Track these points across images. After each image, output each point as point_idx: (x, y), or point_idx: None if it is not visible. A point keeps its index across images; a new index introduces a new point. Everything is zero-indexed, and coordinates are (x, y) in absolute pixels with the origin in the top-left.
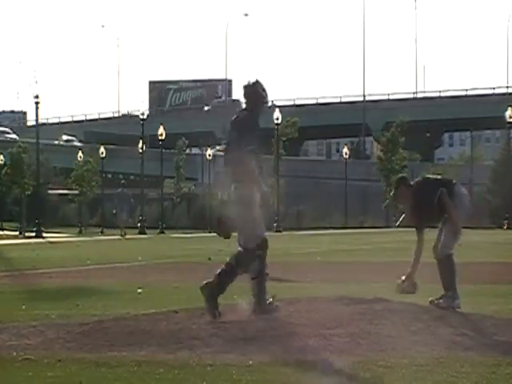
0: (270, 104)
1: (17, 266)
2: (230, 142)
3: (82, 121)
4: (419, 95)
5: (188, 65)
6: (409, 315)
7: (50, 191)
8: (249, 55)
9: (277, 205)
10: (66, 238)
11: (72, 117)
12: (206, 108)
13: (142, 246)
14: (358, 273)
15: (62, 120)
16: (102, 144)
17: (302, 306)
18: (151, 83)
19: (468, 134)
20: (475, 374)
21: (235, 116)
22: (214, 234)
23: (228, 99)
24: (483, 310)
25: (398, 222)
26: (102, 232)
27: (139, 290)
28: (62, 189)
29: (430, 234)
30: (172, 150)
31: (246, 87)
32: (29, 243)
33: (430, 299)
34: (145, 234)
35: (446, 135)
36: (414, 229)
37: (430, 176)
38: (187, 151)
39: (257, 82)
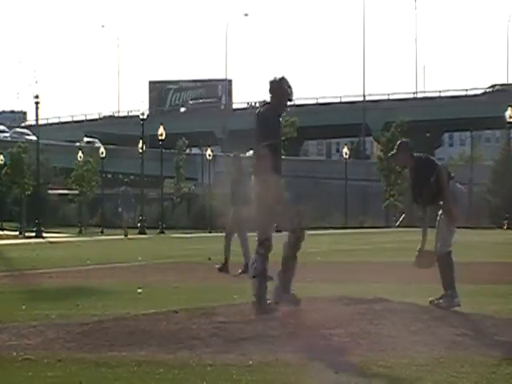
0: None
1: (17, 265)
2: (253, 136)
3: (82, 121)
4: (419, 95)
5: (188, 65)
6: (409, 315)
7: (50, 191)
8: (249, 55)
9: None
10: (66, 238)
11: (72, 117)
12: (182, 109)
13: (142, 246)
14: (358, 273)
15: (62, 120)
16: (102, 144)
17: (302, 305)
18: (151, 83)
19: (468, 133)
20: (475, 373)
21: (258, 110)
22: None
23: (206, 100)
24: (483, 309)
25: (398, 222)
26: (102, 232)
27: (139, 290)
28: (62, 189)
29: (430, 234)
30: (172, 150)
31: (272, 82)
32: (29, 243)
33: (430, 299)
34: (145, 233)
35: (446, 135)
36: (415, 204)
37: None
38: (187, 151)
39: (283, 78)
